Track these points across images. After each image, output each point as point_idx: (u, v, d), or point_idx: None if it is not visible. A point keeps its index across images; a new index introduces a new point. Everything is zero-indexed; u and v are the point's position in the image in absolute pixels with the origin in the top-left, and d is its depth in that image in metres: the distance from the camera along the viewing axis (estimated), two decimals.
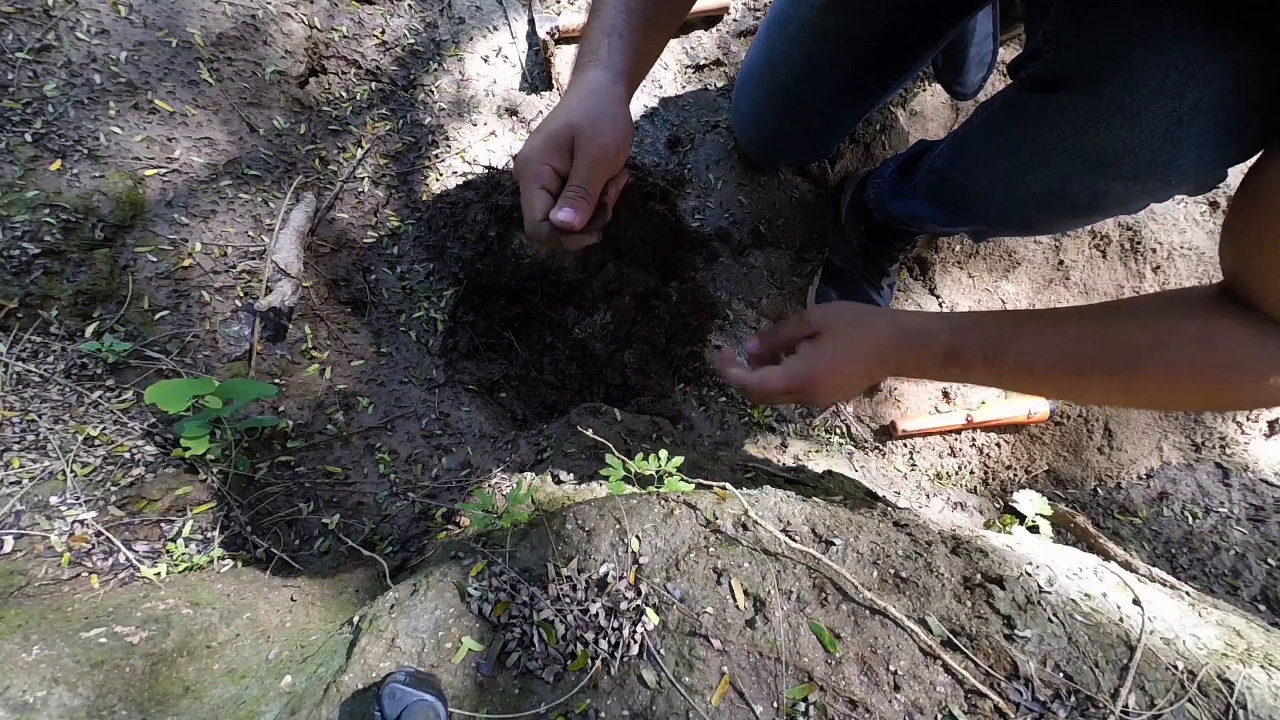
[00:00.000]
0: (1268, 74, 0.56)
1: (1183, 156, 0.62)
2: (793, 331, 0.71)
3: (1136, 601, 0.66)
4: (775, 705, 0.55)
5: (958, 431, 1.29)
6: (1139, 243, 1.40)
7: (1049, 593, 0.63)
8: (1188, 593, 0.75)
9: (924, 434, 1.28)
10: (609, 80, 0.67)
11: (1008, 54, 1.40)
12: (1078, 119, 0.67)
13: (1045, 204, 0.76)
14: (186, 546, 0.87)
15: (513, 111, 1.36)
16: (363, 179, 1.26)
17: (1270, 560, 1.16)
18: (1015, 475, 1.30)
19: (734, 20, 1.46)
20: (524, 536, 0.67)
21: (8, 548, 0.78)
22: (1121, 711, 0.55)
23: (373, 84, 1.30)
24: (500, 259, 1.26)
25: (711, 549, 0.64)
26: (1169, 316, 0.61)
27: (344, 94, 1.27)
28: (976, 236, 1.23)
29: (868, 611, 0.60)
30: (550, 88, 1.37)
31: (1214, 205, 1.46)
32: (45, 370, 0.91)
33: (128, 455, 0.90)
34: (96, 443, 0.90)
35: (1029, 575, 0.65)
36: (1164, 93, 0.59)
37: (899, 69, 1.06)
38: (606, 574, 0.62)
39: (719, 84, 1.42)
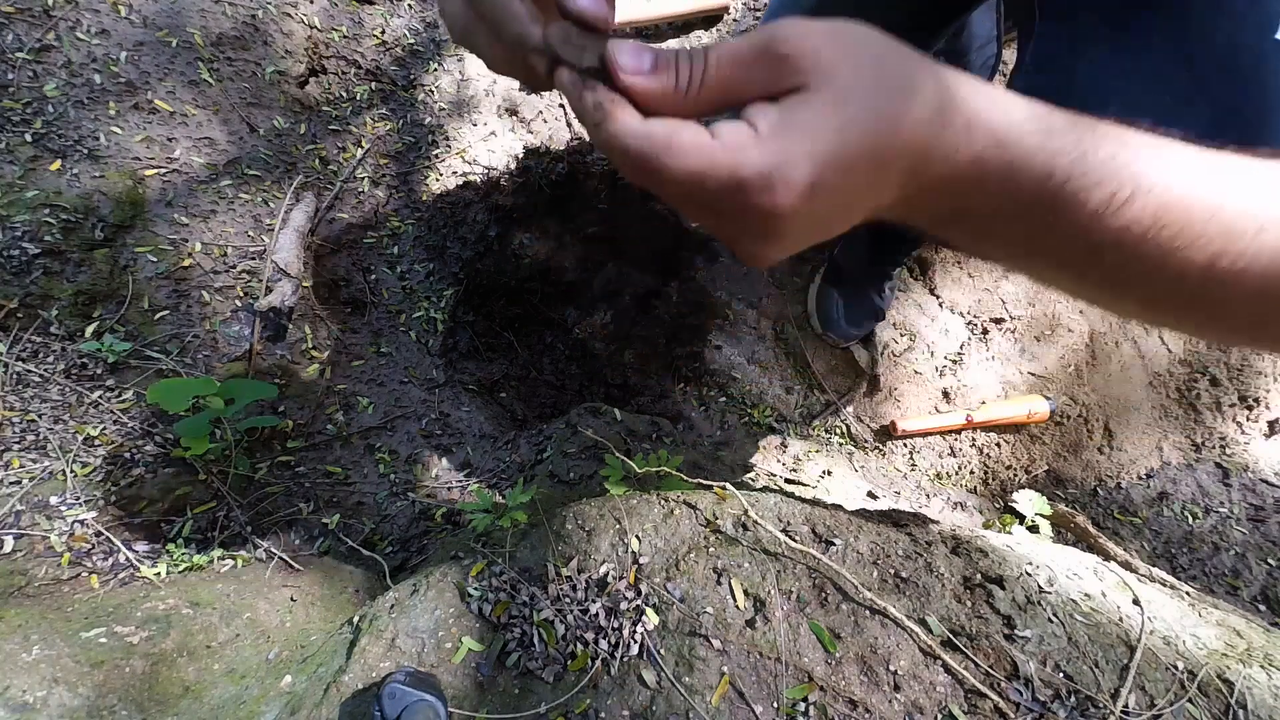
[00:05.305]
0: None
1: None
2: (750, 63, 0.29)
3: (1136, 601, 0.66)
4: (775, 705, 0.55)
5: (958, 431, 1.29)
6: None
7: (1049, 593, 0.63)
8: (1188, 593, 0.75)
9: (924, 434, 1.28)
10: None
11: (1009, 55, 1.40)
12: None
13: None
14: (186, 546, 0.87)
15: (513, 111, 1.36)
16: (363, 179, 1.26)
17: (1270, 560, 1.16)
18: (1015, 475, 1.30)
19: (734, 20, 1.46)
20: (524, 536, 0.67)
21: (8, 548, 0.78)
22: (1121, 711, 0.55)
23: (373, 84, 1.30)
24: (500, 259, 1.26)
25: (711, 549, 0.64)
26: None
27: (344, 94, 1.27)
28: None
29: (868, 611, 0.60)
30: (550, 87, 1.37)
31: None
32: (45, 370, 0.91)
33: (128, 455, 0.90)
34: (96, 443, 0.90)
35: (1029, 575, 0.65)
36: None
37: None
38: (606, 574, 0.62)
39: None
